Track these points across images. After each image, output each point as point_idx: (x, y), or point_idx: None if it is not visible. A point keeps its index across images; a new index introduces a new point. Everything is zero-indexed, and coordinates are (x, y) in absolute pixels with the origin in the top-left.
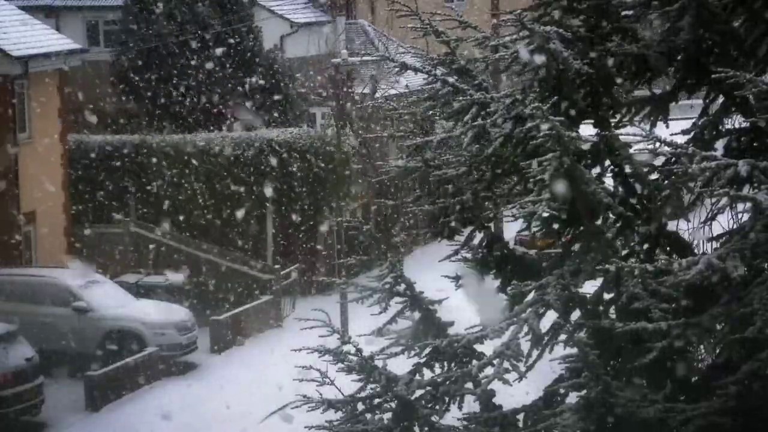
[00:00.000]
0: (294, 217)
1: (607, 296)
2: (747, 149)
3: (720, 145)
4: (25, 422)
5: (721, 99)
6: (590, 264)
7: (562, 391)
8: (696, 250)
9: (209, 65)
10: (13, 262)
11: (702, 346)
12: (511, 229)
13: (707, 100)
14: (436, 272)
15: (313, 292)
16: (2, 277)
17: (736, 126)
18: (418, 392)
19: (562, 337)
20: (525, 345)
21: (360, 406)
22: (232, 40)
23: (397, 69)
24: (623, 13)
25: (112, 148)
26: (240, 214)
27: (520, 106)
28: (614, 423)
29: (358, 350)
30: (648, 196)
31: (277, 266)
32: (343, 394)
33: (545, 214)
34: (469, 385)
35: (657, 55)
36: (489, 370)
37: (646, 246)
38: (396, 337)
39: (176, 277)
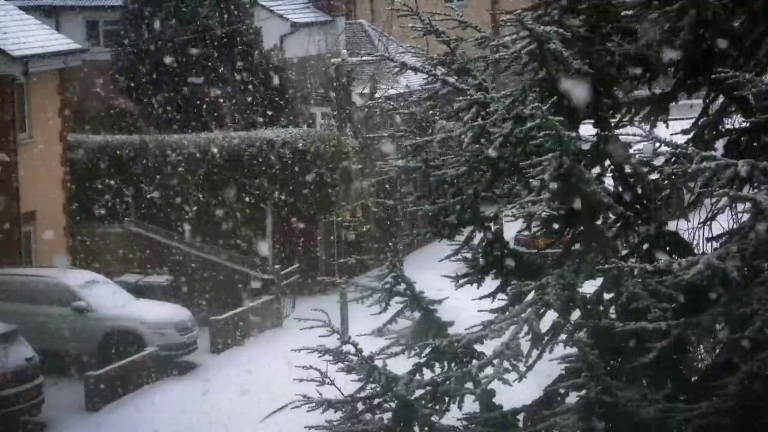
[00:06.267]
0: (294, 217)
1: (607, 296)
2: (747, 149)
3: (720, 145)
4: (25, 422)
5: (721, 99)
6: (590, 264)
7: (562, 391)
8: (696, 250)
9: (209, 65)
10: (13, 262)
11: (702, 346)
12: (511, 229)
13: (707, 100)
14: (436, 272)
15: (309, 293)
16: (2, 277)
17: (736, 126)
18: (418, 392)
19: (562, 337)
20: (525, 345)
21: (360, 406)
22: (231, 40)
23: (397, 69)
24: (623, 13)
25: (112, 148)
26: (240, 214)
27: (520, 106)
28: (614, 423)
29: (358, 350)
30: (648, 196)
31: (277, 266)
32: (343, 394)
33: (545, 214)
34: (469, 385)
35: (657, 55)
36: (489, 370)
37: (646, 246)
38: (396, 337)
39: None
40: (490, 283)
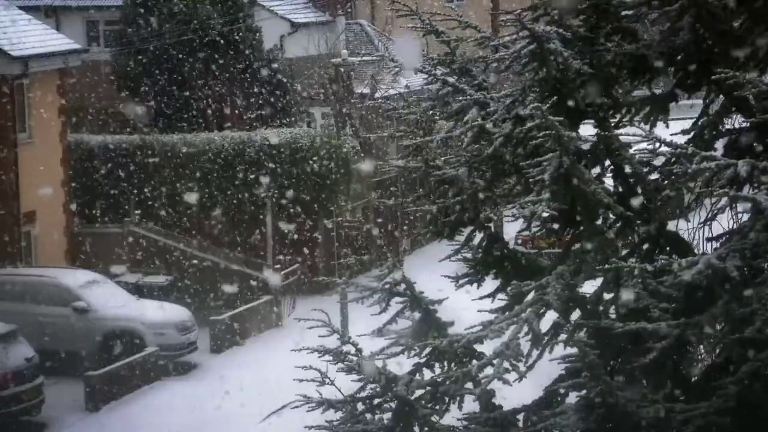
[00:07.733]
0: (294, 217)
1: (607, 296)
2: (747, 149)
3: (720, 145)
4: (25, 422)
5: (721, 99)
6: (590, 264)
7: (562, 391)
8: (696, 250)
9: (208, 65)
10: (13, 262)
11: (702, 346)
12: (511, 229)
13: (707, 100)
14: (436, 272)
15: (309, 293)
16: (2, 277)
17: (736, 126)
18: (418, 392)
19: (562, 337)
20: (525, 345)
21: (360, 406)
22: (231, 40)
23: (397, 69)
24: (623, 13)
25: (112, 148)
26: (240, 214)
27: (520, 106)
28: (614, 423)
29: (358, 350)
30: (648, 196)
31: (277, 266)
32: (343, 394)
33: (545, 214)
34: (469, 385)
35: (657, 55)
36: (489, 370)
37: (646, 246)
38: (396, 337)
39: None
40: (490, 283)
